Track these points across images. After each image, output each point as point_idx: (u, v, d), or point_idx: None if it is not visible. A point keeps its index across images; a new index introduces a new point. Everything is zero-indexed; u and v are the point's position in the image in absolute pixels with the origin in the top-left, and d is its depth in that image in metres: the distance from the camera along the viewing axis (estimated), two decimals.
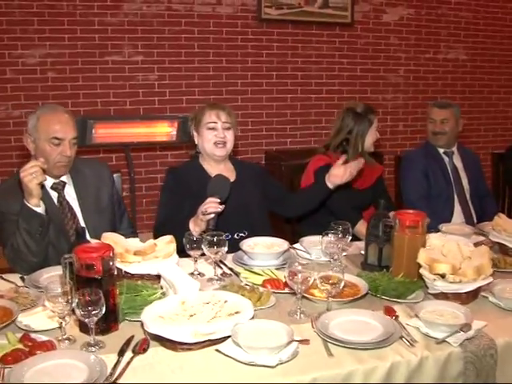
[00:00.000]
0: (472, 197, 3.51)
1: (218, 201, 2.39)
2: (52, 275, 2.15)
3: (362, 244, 2.59)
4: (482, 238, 2.74)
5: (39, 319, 1.79)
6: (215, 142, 2.69)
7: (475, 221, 3.42)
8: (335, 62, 5.61)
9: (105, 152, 4.89)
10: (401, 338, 1.74)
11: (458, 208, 3.45)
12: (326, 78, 5.60)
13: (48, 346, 1.59)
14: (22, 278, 2.21)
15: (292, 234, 2.67)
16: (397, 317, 1.88)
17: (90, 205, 2.55)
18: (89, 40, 4.75)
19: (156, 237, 2.45)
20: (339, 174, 2.67)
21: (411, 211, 2.27)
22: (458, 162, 3.57)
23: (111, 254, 1.73)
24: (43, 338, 1.66)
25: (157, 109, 5.04)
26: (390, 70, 5.84)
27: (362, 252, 2.53)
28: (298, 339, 1.68)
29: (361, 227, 3.01)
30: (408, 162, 3.57)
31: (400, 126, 5.98)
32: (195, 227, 2.41)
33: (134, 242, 2.24)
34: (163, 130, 4.11)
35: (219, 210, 2.38)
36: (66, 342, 1.68)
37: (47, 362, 1.52)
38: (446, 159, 3.55)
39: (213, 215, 2.37)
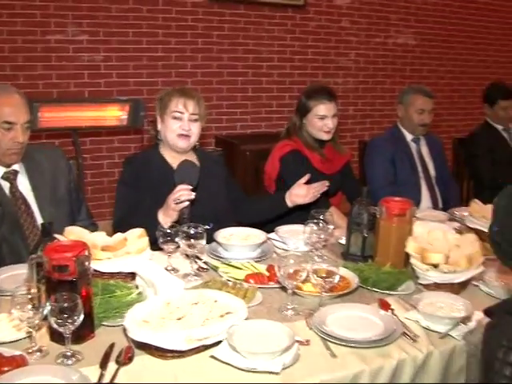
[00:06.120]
0: (437, 182, 3.44)
1: (190, 187, 2.23)
2: (9, 276, 1.92)
3: (337, 233, 2.47)
4: (456, 224, 2.69)
5: (1, 329, 1.56)
6: (179, 134, 2.48)
7: (440, 206, 3.37)
8: (287, 45, 5.49)
9: (47, 137, 4.57)
10: (403, 333, 1.63)
11: (425, 194, 3.36)
12: (277, 60, 5.48)
13: (18, 362, 1.37)
14: None
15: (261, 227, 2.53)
16: (392, 310, 1.78)
17: (45, 195, 2.31)
18: (29, 17, 4.39)
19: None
20: (301, 193, 2.53)
21: (398, 199, 2.15)
22: (424, 147, 3.48)
23: (86, 253, 1.53)
24: (9, 351, 1.43)
25: (103, 91, 4.74)
26: (341, 53, 5.79)
27: (340, 241, 2.43)
28: (299, 340, 1.54)
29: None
30: (374, 149, 3.43)
31: (350, 111, 5.93)
32: (166, 218, 2.22)
33: (101, 237, 2.02)
34: (113, 114, 3.92)
35: (192, 197, 2.21)
36: (37, 354, 1.46)
37: (21, 381, 1.30)
38: (413, 145, 3.44)
39: (186, 203, 2.20)
